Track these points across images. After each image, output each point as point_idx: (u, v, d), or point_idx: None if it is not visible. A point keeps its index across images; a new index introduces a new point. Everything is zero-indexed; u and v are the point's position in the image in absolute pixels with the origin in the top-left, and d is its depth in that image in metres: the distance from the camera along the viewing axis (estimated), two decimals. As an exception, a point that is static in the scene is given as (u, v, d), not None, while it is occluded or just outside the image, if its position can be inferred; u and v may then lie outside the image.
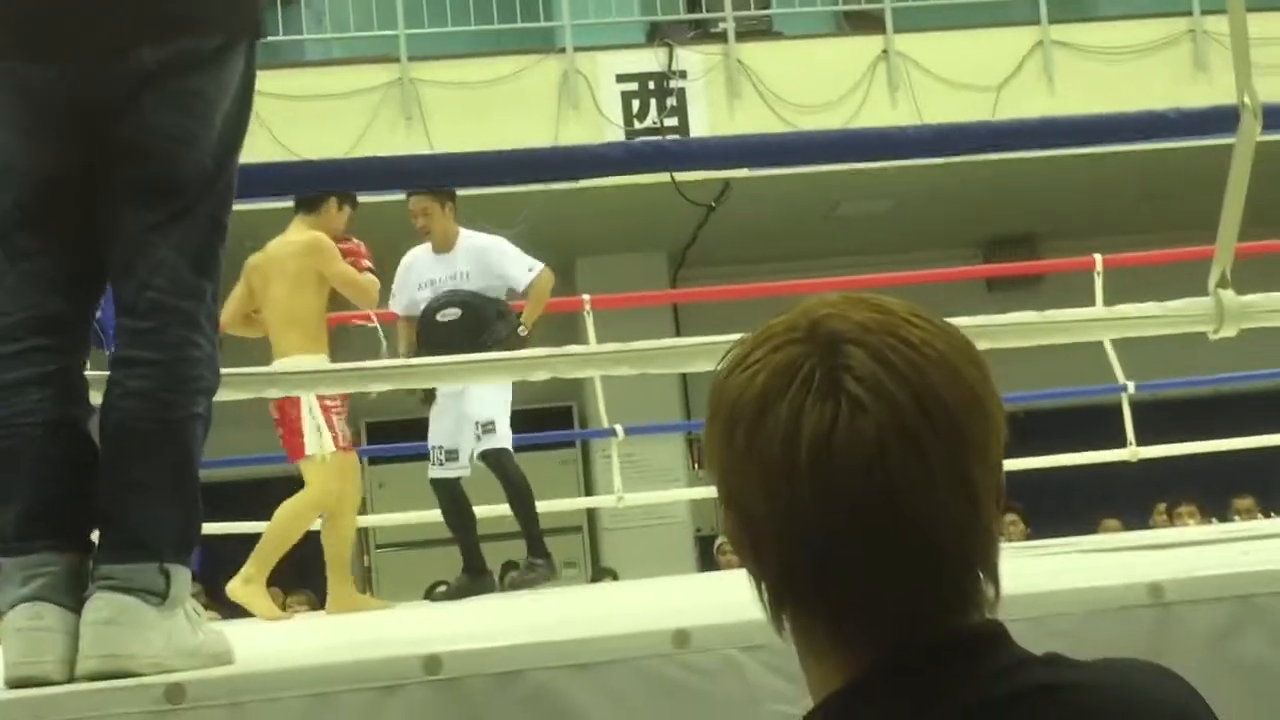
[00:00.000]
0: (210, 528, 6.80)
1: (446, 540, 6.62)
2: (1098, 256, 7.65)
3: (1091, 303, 7.03)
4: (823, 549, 1.07)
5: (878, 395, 1.07)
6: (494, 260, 6.41)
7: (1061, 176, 10.78)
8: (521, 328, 6.23)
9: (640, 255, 11.91)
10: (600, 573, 11.23)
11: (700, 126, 10.13)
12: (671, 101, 10.34)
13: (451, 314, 6.22)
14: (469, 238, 6.44)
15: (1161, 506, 10.90)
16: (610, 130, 9.90)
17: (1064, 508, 9.11)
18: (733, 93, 10.35)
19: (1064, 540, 5.31)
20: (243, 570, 5.44)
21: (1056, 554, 3.96)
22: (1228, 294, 2.97)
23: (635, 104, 10.38)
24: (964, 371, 1.11)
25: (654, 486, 10.52)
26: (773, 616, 1.13)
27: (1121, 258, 8.09)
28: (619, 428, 7.57)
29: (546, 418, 12.27)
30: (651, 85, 10.41)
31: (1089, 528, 9.25)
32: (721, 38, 10.58)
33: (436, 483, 6.52)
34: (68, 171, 2.37)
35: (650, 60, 10.49)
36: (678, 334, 10.43)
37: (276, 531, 5.55)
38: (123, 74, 2.35)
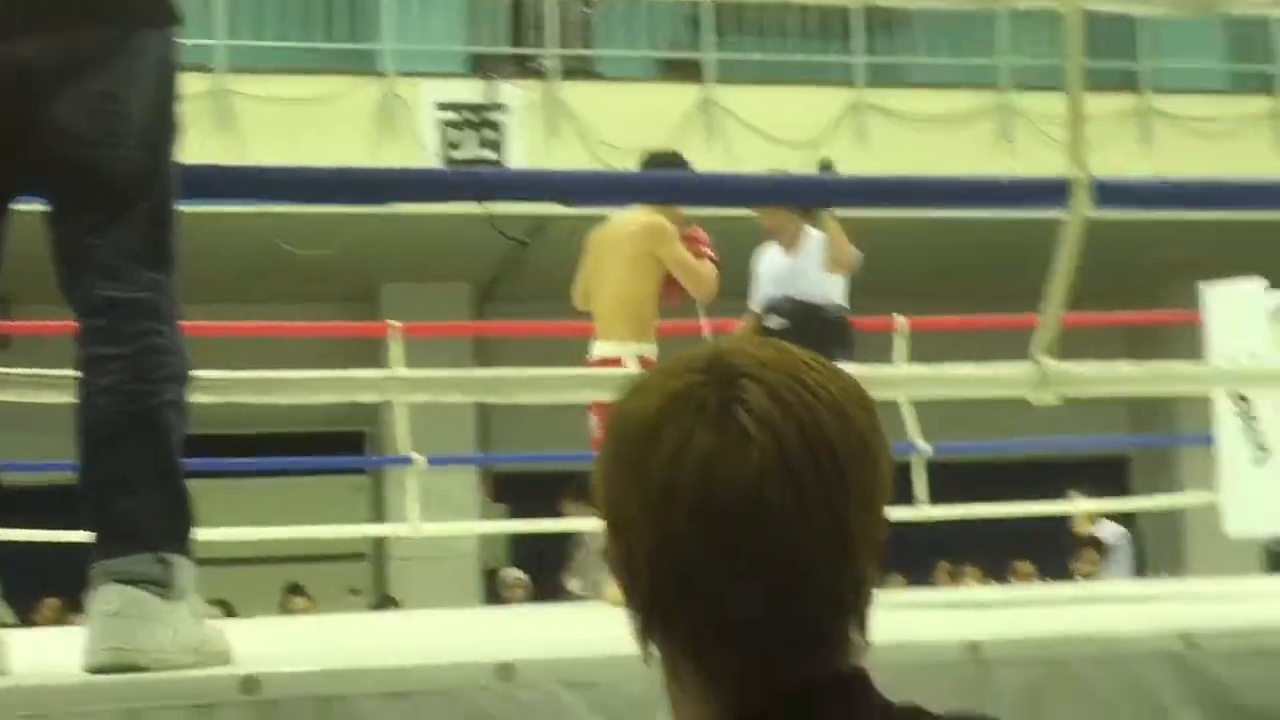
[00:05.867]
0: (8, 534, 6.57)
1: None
2: (900, 317, 7.71)
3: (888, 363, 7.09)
4: (691, 571, 1.08)
5: (766, 428, 1.08)
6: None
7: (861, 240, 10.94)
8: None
9: (445, 285, 11.82)
10: (385, 601, 11.10)
11: (517, 161, 10.10)
12: (490, 134, 10.30)
13: (778, 322, 6.03)
14: (810, 235, 6.21)
15: (945, 565, 11.15)
16: (427, 159, 9.82)
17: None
18: (551, 130, 10.34)
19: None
20: None
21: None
22: (1051, 361, 3.03)
23: (453, 134, 10.32)
24: (855, 417, 1.12)
25: (444, 518, 10.40)
26: (641, 642, 1.12)
27: (922, 321, 8.19)
28: (418, 456, 7.43)
29: (336, 442, 12.14)
30: (471, 116, 10.37)
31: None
32: (543, 74, 10.58)
33: None
34: None
35: (471, 91, 10.45)
36: (480, 367, 10.36)
37: None
38: (3, 66, 2.25)
